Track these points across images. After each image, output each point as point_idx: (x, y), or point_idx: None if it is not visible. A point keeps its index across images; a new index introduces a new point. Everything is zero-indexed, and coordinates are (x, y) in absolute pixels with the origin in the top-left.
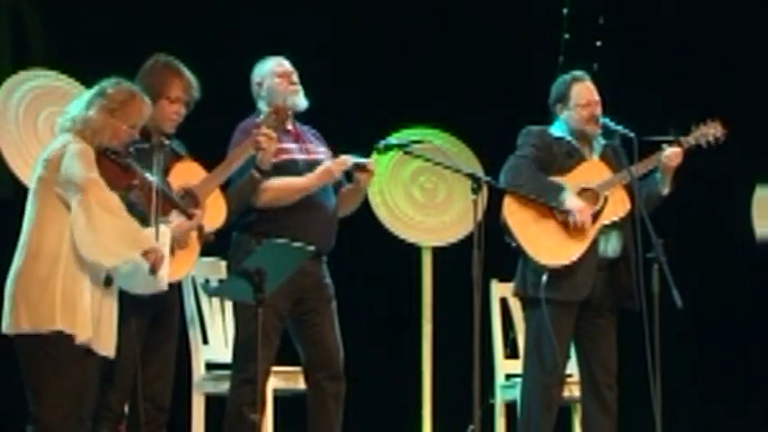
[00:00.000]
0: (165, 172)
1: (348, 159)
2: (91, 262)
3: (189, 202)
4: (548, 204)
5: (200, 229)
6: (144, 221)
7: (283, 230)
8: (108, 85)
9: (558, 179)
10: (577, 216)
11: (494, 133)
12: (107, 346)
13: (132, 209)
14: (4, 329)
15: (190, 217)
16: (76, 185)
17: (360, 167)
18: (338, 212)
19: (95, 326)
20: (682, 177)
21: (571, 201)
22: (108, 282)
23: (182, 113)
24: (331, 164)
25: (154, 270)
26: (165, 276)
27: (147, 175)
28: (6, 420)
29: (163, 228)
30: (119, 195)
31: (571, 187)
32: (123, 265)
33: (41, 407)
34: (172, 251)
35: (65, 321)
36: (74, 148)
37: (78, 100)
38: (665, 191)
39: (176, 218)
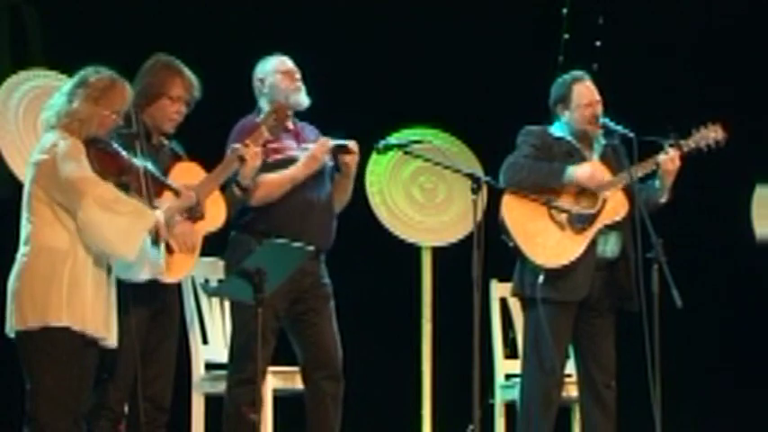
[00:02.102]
0: (165, 172)
1: (329, 140)
2: (115, 258)
3: None
4: (555, 190)
5: (190, 209)
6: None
7: (281, 229)
8: (87, 74)
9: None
10: (594, 184)
11: (494, 133)
12: (111, 336)
13: (125, 192)
14: (9, 329)
15: (178, 195)
16: (75, 190)
17: (342, 149)
18: (335, 205)
19: (103, 318)
20: (682, 177)
21: (579, 172)
22: (108, 269)
23: (182, 113)
24: (313, 149)
25: (157, 240)
26: (163, 259)
27: (135, 160)
28: (4, 421)
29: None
30: (113, 183)
31: (570, 188)
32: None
33: (37, 406)
34: (169, 250)
35: (72, 317)
36: (62, 148)
37: (59, 93)
38: (663, 199)
39: (168, 201)
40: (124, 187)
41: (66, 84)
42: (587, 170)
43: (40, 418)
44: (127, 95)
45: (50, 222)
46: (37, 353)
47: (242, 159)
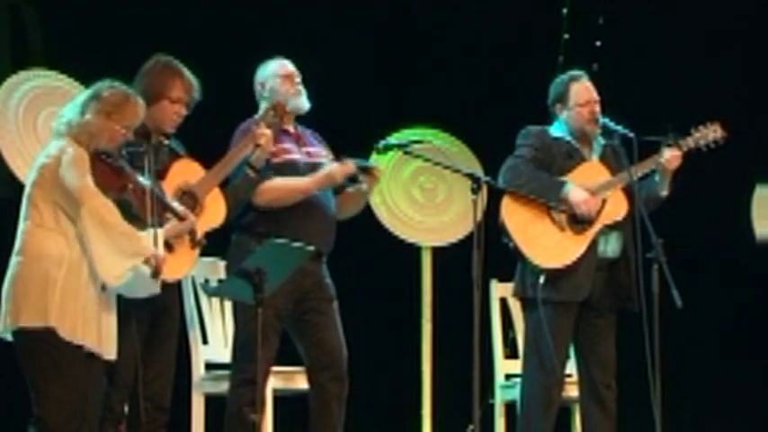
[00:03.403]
0: (164, 171)
1: (352, 165)
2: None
3: (188, 200)
4: (550, 203)
5: (192, 233)
6: (137, 222)
7: (283, 231)
8: (102, 87)
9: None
10: (582, 208)
11: (494, 133)
12: (108, 350)
13: (127, 209)
14: (2, 330)
15: (182, 220)
16: (73, 199)
17: (365, 171)
18: (338, 214)
19: (97, 330)
20: (682, 177)
21: (574, 194)
22: (103, 286)
23: (182, 114)
24: (334, 168)
25: (156, 274)
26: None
27: (140, 178)
28: (6, 420)
29: (157, 230)
30: (112, 198)
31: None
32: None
33: (44, 408)
34: (169, 249)
35: (61, 323)
36: (69, 156)
37: (72, 103)
38: (664, 193)
39: (170, 220)
40: (125, 205)
41: (80, 95)
42: (581, 197)
43: (47, 418)
44: (139, 112)
45: (46, 227)
46: (37, 354)
47: (257, 145)
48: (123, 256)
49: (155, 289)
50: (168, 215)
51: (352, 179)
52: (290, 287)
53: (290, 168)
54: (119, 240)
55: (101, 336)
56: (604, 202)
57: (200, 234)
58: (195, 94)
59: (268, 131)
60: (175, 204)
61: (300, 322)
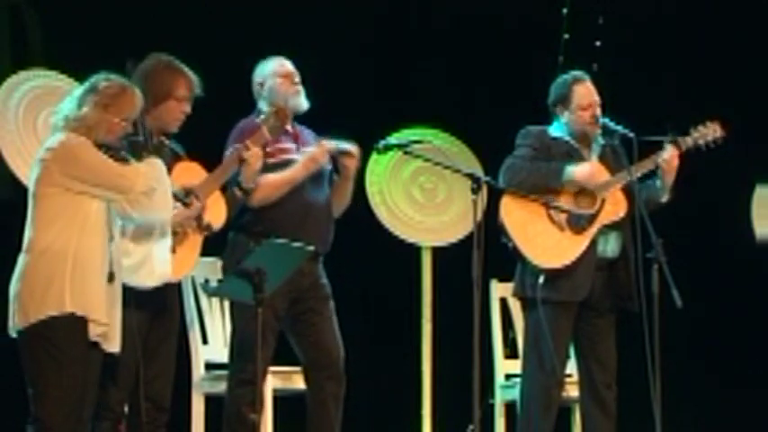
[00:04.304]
0: (167, 172)
1: (328, 143)
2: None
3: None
4: (555, 190)
5: (198, 218)
6: None
7: (280, 231)
8: (98, 80)
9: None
10: (592, 183)
11: (494, 133)
12: (113, 343)
13: None
14: (11, 329)
15: (187, 206)
16: (120, 189)
17: (343, 153)
18: (334, 209)
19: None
20: (682, 177)
21: (578, 171)
22: (110, 278)
23: (187, 112)
24: (313, 150)
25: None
26: (169, 264)
27: None
28: (6, 420)
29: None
30: None
31: (569, 188)
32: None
33: (42, 406)
34: (173, 249)
35: (76, 301)
36: (77, 141)
37: (69, 98)
38: (664, 198)
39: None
40: None
41: (77, 89)
42: (587, 169)
43: (45, 417)
44: (136, 102)
45: (54, 222)
46: (38, 353)
47: (242, 160)
48: (168, 195)
49: (162, 275)
50: (174, 203)
51: (337, 170)
52: (287, 287)
53: (289, 168)
54: (168, 193)
55: (107, 329)
56: (604, 202)
57: (206, 220)
58: (197, 90)
59: (257, 150)
60: (179, 191)
61: (297, 322)
